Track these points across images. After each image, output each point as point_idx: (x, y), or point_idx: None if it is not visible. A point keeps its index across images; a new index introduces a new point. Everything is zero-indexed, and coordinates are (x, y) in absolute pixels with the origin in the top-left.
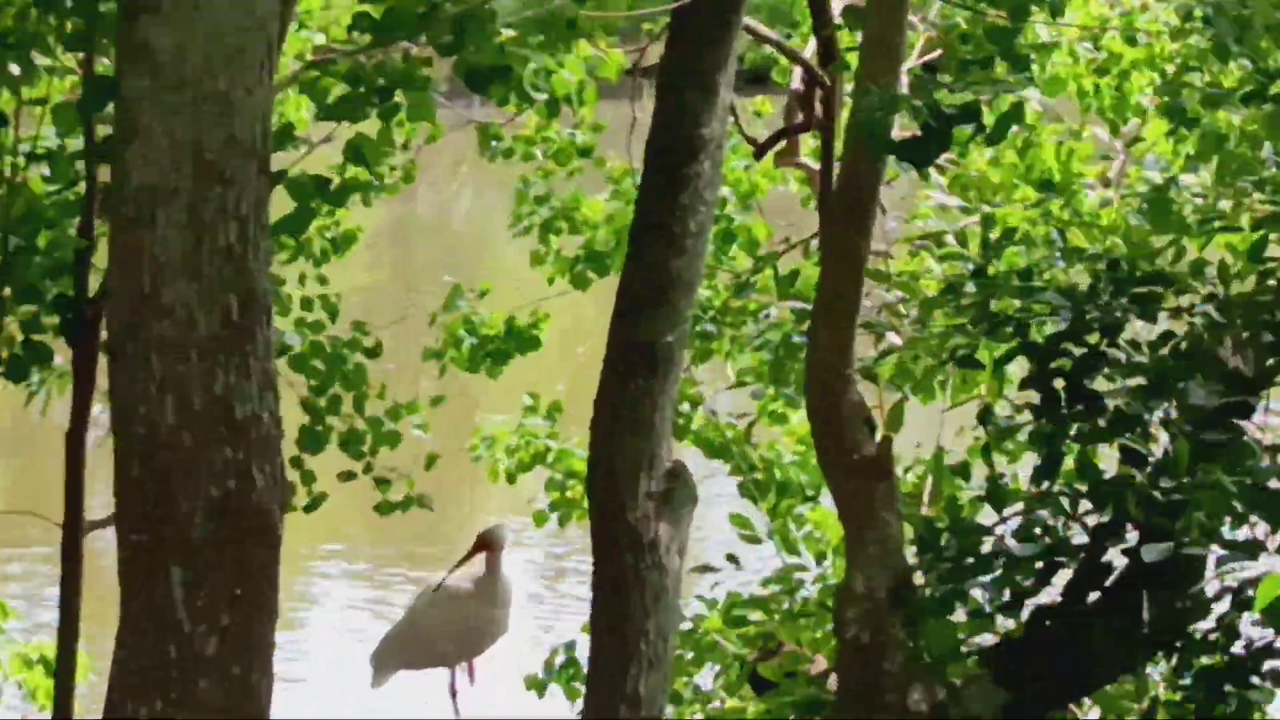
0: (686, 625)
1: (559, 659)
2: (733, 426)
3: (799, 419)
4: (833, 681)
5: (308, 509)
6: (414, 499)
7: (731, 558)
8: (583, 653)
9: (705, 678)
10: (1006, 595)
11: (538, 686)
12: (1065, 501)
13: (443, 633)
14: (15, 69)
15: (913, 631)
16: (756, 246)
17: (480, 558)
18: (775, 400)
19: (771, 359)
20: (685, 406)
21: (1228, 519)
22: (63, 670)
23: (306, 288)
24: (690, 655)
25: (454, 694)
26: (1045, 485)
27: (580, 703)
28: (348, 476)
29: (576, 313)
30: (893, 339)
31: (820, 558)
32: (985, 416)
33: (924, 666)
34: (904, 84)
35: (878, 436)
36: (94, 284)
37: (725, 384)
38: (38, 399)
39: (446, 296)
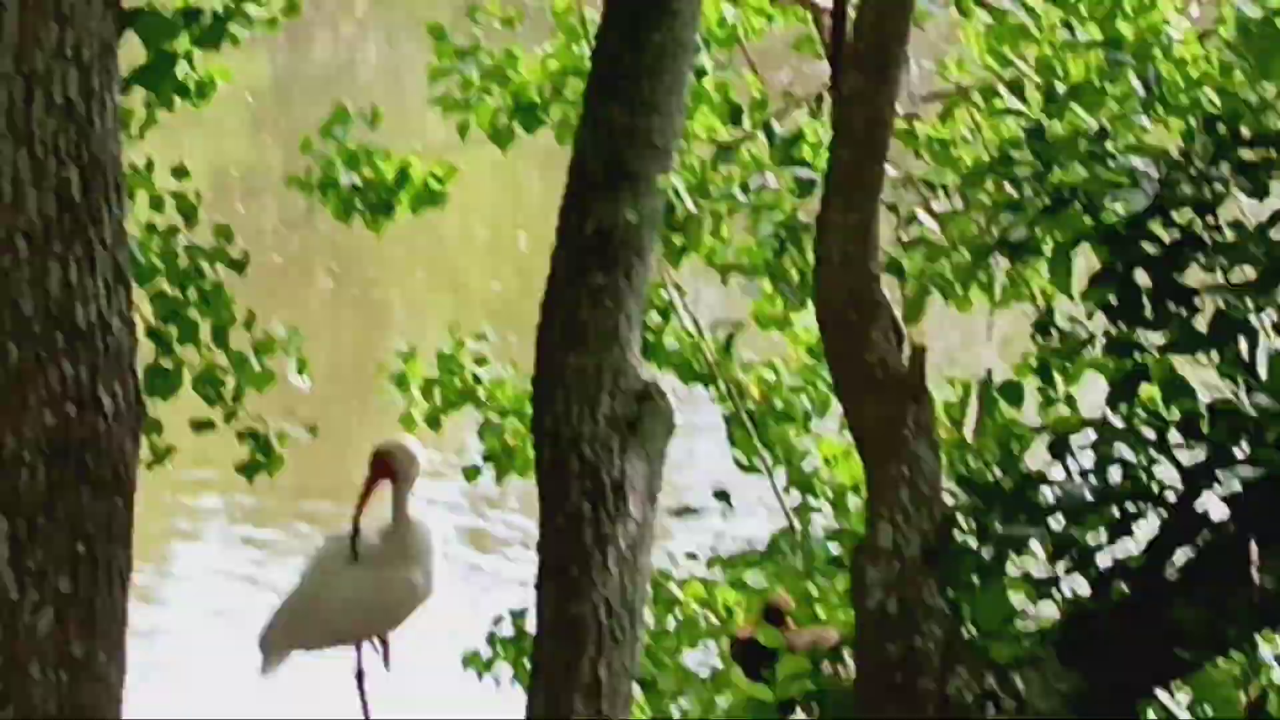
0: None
1: (504, 630)
2: (717, 341)
3: (805, 326)
4: (849, 661)
5: (151, 465)
6: (276, 459)
7: (722, 495)
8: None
9: (691, 658)
10: (1073, 553)
11: (478, 665)
12: (1148, 432)
13: (343, 602)
14: None
15: (953, 599)
16: (739, 112)
17: (386, 495)
18: (773, 301)
19: (768, 246)
20: (655, 318)
21: None
22: None
23: (156, 180)
24: (666, 627)
25: (360, 679)
26: (1122, 411)
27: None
28: (203, 426)
29: (518, 191)
30: (925, 222)
31: (834, 505)
32: (1044, 323)
33: (967, 644)
34: None
35: (906, 347)
36: None
37: (705, 283)
38: None
39: (327, 119)
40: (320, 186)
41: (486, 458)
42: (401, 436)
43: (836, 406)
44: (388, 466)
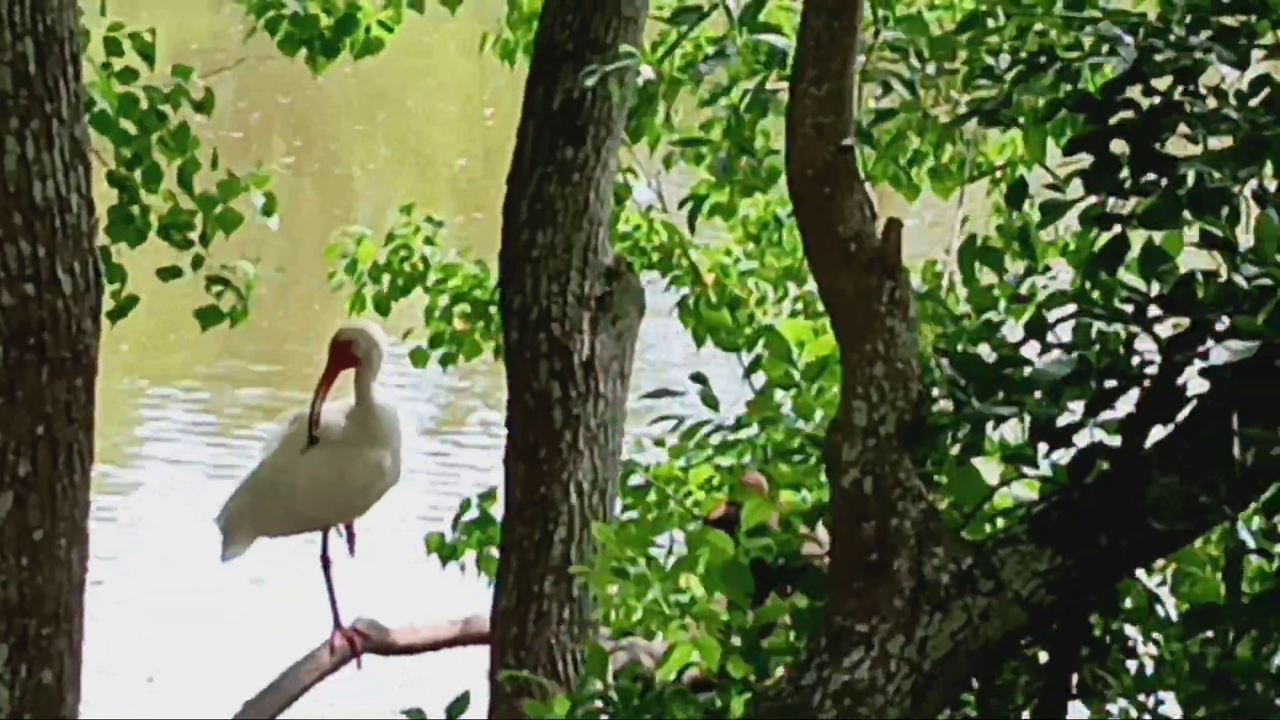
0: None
1: (470, 514)
2: (673, 228)
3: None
4: (823, 539)
5: (113, 315)
6: (241, 311)
7: (698, 378)
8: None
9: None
10: (1050, 431)
11: (441, 550)
12: (1126, 307)
13: (310, 486)
14: None
15: (930, 478)
16: None
17: (349, 380)
18: (716, 186)
19: (728, 119)
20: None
21: None
22: None
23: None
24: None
25: (326, 565)
26: (1100, 282)
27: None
28: (171, 274)
29: (484, 63)
30: (898, 90)
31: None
32: (1017, 191)
33: (944, 523)
34: None
35: (880, 221)
36: None
37: (662, 159)
38: None
39: None
40: (260, 8)
41: (432, 342)
42: (363, 321)
43: (793, 291)
44: (348, 353)
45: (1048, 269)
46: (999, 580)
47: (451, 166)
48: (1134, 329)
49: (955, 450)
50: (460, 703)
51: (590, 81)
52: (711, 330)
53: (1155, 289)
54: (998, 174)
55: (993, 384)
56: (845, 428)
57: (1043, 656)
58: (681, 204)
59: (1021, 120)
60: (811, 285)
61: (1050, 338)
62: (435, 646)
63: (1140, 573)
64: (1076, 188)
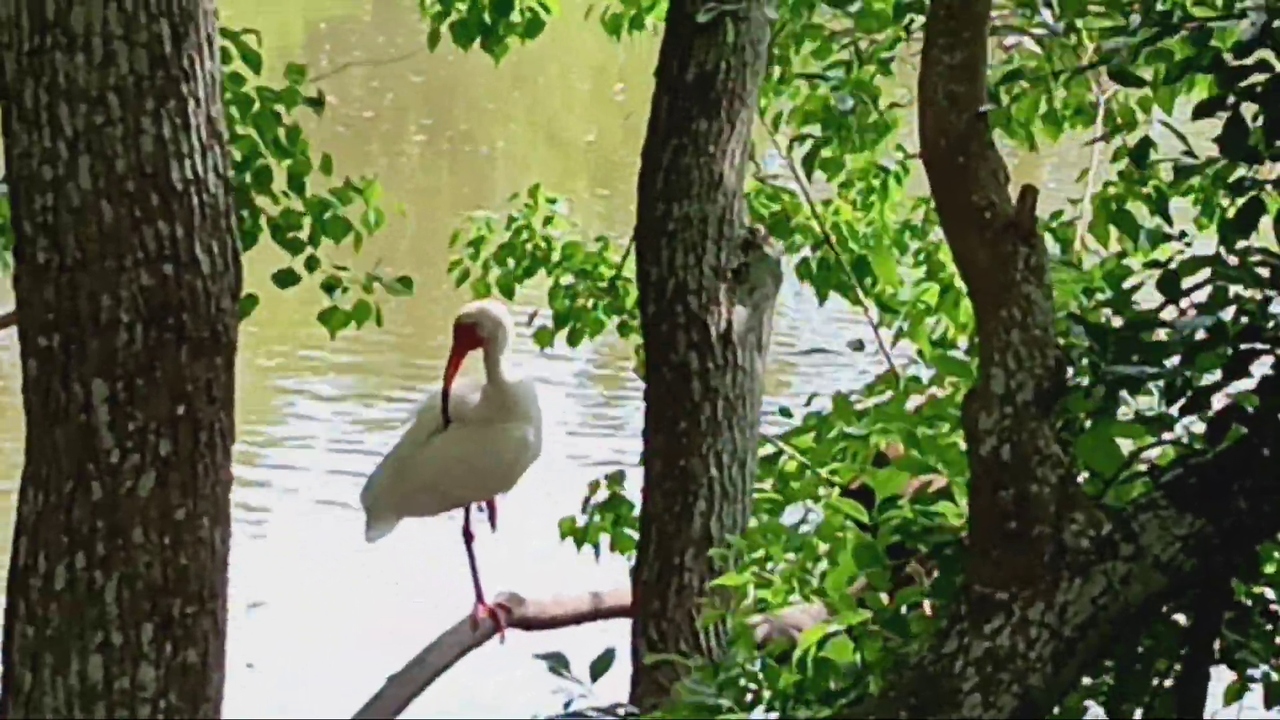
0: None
1: (600, 494)
2: (788, 193)
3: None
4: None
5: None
6: (368, 306)
7: (858, 345)
8: (636, 486)
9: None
10: (1187, 394)
11: (574, 533)
12: (1263, 271)
13: (451, 466)
14: None
15: (1067, 445)
16: None
17: (477, 360)
18: (829, 144)
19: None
20: None
21: None
22: None
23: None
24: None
25: (469, 539)
26: (1236, 248)
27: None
28: (287, 279)
29: (607, 42)
30: (1028, 45)
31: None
32: (1142, 150)
33: (1083, 489)
34: None
35: (1013, 187)
36: None
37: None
38: None
39: None
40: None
41: (557, 321)
42: (484, 301)
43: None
44: (473, 334)
45: (1184, 234)
46: (1139, 545)
47: (580, 144)
48: (1270, 293)
49: (1090, 417)
50: (605, 659)
51: (703, 18)
52: (840, 289)
53: None
54: (1120, 125)
55: (1127, 348)
56: (983, 395)
57: (1183, 622)
58: (805, 158)
59: (1150, 79)
60: (934, 238)
61: (1185, 304)
62: (578, 620)
63: None
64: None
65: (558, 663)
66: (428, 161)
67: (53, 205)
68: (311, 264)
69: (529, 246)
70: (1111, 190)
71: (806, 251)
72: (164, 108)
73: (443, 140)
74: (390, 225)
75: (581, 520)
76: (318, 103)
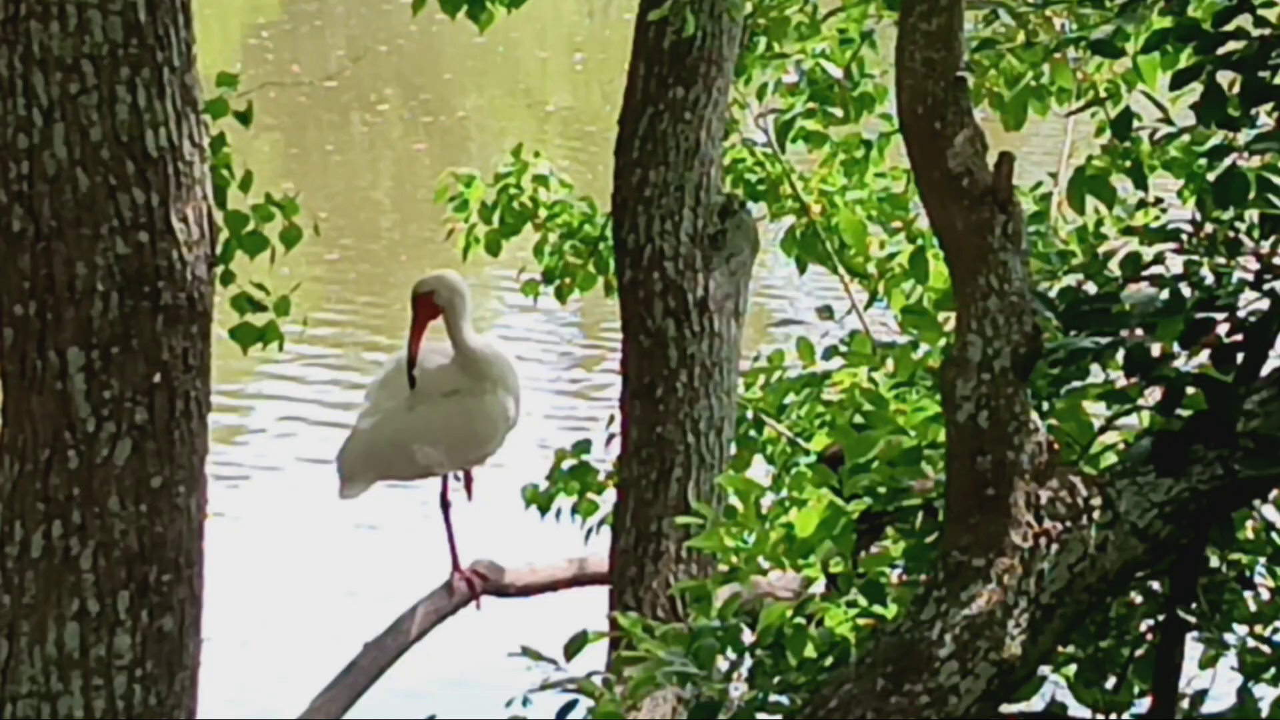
0: None
1: (566, 462)
2: (773, 157)
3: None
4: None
5: None
6: (276, 327)
7: (826, 312)
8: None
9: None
10: (1145, 364)
11: (538, 501)
12: (1239, 238)
13: (424, 436)
14: None
15: (1045, 411)
16: None
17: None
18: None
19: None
20: None
21: None
22: None
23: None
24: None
25: (446, 507)
26: (1214, 216)
27: (599, 523)
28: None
29: (559, 9)
30: (1005, 18)
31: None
32: (1122, 121)
33: (1061, 456)
34: None
35: (990, 155)
36: None
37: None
38: None
39: None
40: None
41: (546, 276)
42: (440, 270)
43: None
44: (430, 304)
45: (1159, 200)
46: (1116, 512)
47: (539, 110)
48: (1234, 261)
49: (1059, 386)
50: (578, 641)
51: (653, 17)
52: (821, 260)
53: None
54: (1102, 99)
55: (1088, 318)
56: (960, 362)
57: (1159, 588)
58: (779, 130)
59: (1129, 49)
60: (913, 209)
61: (1160, 270)
62: (554, 587)
63: (1257, 502)
64: (1185, 115)
65: (530, 653)
66: (401, 129)
67: (28, 174)
68: (226, 278)
69: (514, 205)
70: (1096, 164)
71: (791, 220)
72: (139, 76)
73: (408, 107)
74: (368, 198)
75: (544, 489)
76: (245, 117)
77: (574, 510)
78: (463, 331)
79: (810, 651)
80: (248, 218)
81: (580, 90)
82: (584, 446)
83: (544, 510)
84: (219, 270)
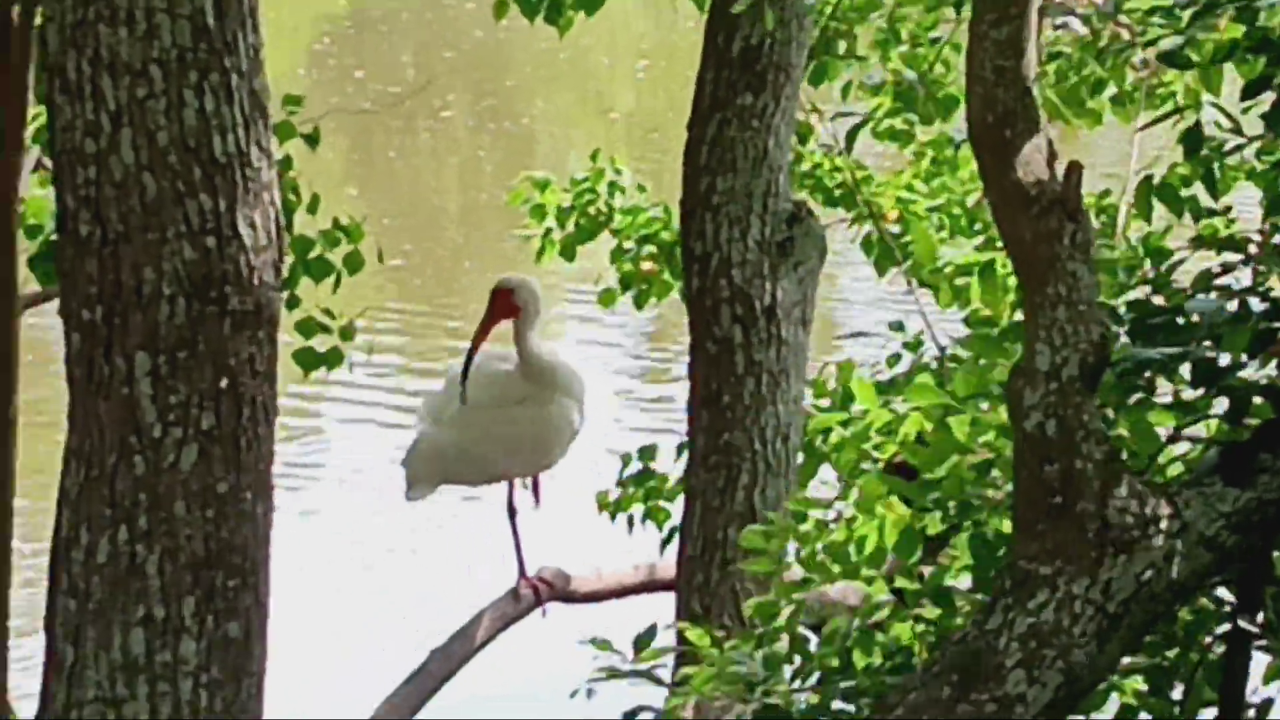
0: None
1: (633, 467)
2: (857, 164)
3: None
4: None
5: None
6: (340, 353)
7: (897, 327)
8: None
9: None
10: (1211, 375)
11: (608, 506)
12: None
13: (492, 443)
14: None
15: (1111, 421)
16: None
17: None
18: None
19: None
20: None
21: None
22: None
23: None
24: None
25: (513, 514)
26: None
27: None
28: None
29: (648, 15)
30: (1075, 27)
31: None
32: (1193, 136)
33: (1128, 466)
34: None
35: (1059, 164)
36: None
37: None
38: None
39: None
40: None
41: (623, 283)
42: (520, 277)
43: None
44: (509, 302)
45: (1229, 209)
46: (1183, 521)
47: (604, 119)
48: None
49: (1126, 397)
50: (648, 634)
51: (738, 8)
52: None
53: None
54: (1177, 113)
55: (1154, 330)
56: (1028, 371)
57: (1227, 597)
58: (848, 133)
59: (1198, 60)
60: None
61: (1229, 281)
62: (620, 593)
63: None
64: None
65: (599, 644)
66: (470, 137)
67: (95, 178)
68: (292, 304)
69: (591, 210)
70: (1180, 171)
71: (870, 227)
72: (206, 80)
73: (473, 115)
74: (438, 193)
75: (615, 494)
76: (313, 139)
77: (644, 517)
78: (530, 338)
79: (876, 659)
80: (314, 242)
81: (644, 97)
82: (649, 452)
83: (614, 516)
84: (284, 295)
